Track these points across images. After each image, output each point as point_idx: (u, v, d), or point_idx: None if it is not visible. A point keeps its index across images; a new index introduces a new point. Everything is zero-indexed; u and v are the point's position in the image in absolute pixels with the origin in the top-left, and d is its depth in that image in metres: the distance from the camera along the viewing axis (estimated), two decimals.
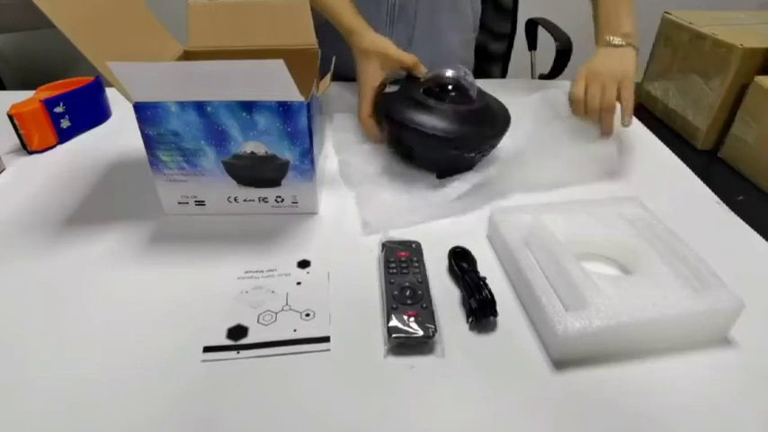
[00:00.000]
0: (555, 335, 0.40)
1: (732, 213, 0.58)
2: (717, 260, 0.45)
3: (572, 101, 0.65)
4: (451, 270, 0.49)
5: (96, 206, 0.59)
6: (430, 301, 0.43)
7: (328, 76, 0.60)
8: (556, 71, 1.22)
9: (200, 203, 0.55)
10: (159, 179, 0.53)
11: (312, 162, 0.53)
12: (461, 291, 0.46)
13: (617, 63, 0.64)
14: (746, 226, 0.56)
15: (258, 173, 0.53)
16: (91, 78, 0.76)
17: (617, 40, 0.66)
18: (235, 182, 0.54)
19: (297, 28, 0.61)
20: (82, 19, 0.49)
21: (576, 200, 0.56)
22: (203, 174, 0.53)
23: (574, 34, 1.30)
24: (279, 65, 0.44)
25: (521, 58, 1.41)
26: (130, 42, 0.55)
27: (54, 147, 0.71)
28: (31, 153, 0.70)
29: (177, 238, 0.53)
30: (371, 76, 0.66)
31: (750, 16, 0.79)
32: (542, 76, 1.31)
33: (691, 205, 0.60)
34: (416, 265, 0.48)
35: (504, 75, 1.37)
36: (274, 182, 0.54)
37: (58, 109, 0.71)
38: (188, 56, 0.62)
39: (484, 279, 0.46)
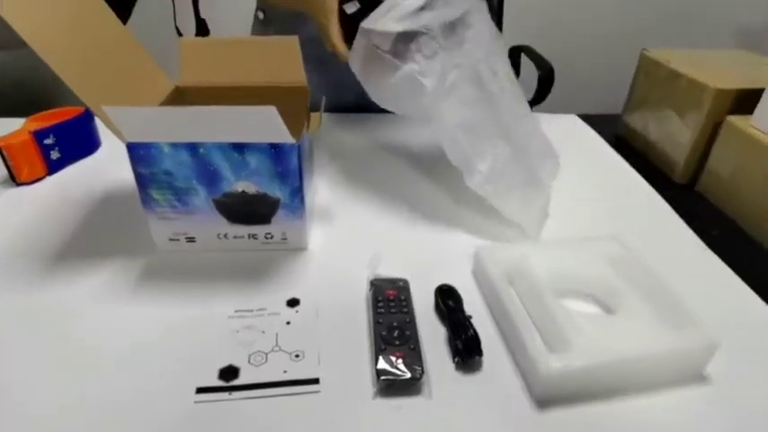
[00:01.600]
0: (538, 374, 0.41)
1: (708, 250, 0.60)
2: (693, 297, 0.47)
3: None
4: (438, 308, 0.50)
5: (86, 240, 0.60)
6: (417, 342, 0.44)
7: (319, 115, 0.61)
8: (538, 99, 1.25)
9: (190, 240, 0.56)
10: (151, 216, 0.54)
11: (302, 200, 0.54)
12: (447, 329, 0.47)
13: None
14: (722, 263, 0.59)
15: (249, 211, 0.54)
16: (80, 109, 0.77)
17: None
18: (225, 219, 0.54)
19: (287, 66, 0.63)
20: (75, 57, 0.50)
21: (559, 237, 0.57)
22: (194, 212, 0.54)
23: (558, 62, 1.34)
24: (271, 111, 0.45)
25: None
26: (123, 79, 0.56)
27: (43, 178, 0.72)
28: (19, 185, 0.70)
29: (169, 275, 0.54)
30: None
31: (724, 56, 0.82)
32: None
33: (669, 241, 0.62)
34: (404, 303, 0.49)
35: None
36: (264, 219, 0.55)
37: (48, 141, 0.71)
38: (180, 92, 0.63)
39: (469, 318, 0.47)
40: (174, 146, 0.49)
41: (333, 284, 0.53)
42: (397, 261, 0.55)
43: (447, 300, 0.50)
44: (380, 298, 0.49)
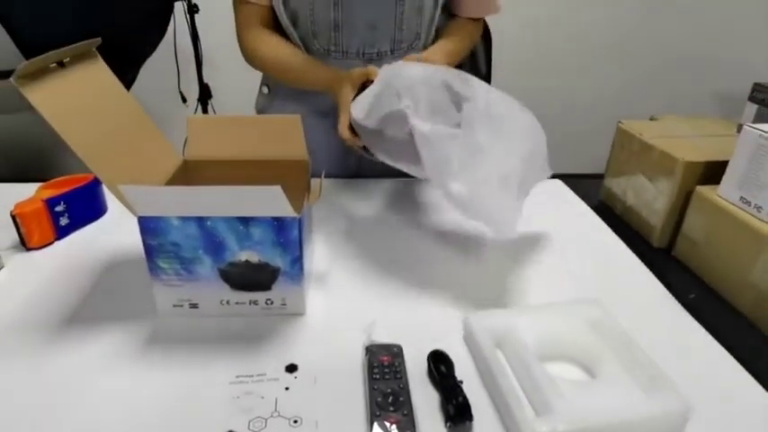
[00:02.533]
0: None
1: (686, 313, 0.64)
2: (670, 359, 0.50)
3: None
4: (431, 373, 0.53)
5: (92, 306, 0.62)
6: (410, 408, 0.47)
7: (319, 184, 0.65)
8: None
9: (193, 306, 0.59)
10: (157, 284, 0.57)
11: (302, 268, 0.57)
12: (440, 394, 0.50)
13: None
14: (698, 325, 0.62)
15: (251, 279, 0.57)
16: (89, 176, 0.81)
17: None
18: (228, 287, 0.58)
19: (289, 141, 0.68)
20: (92, 138, 0.55)
21: (546, 302, 0.61)
22: (199, 279, 0.57)
23: (547, 124, 1.41)
24: (276, 190, 0.49)
25: None
26: (135, 154, 0.61)
27: (52, 243, 0.75)
28: (29, 250, 0.73)
29: (172, 341, 0.56)
30: (345, 97, 0.74)
31: (696, 126, 0.89)
32: None
33: (648, 304, 0.66)
34: (398, 369, 0.51)
35: None
36: (265, 286, 0.58)
37: (59, 208, 0.75)
38: (187, 165, 0.68)
39: (460, 383, 0.50)
40: (183, 219, 0.53)
41: (330, 350, 0.56)
42: (391, 326, 0.58)
43: (439, 365, 0.53)
44: (376, 364, 0.51)
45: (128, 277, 0.67)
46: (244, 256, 0.56)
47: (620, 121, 0.89)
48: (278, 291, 0.59)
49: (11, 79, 0.47)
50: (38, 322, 0.59)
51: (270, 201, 0.51)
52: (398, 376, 0.50)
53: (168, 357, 0.54)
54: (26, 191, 0.76)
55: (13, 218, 0.70)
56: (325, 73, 0.81)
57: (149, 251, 0.55)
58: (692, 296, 0.67)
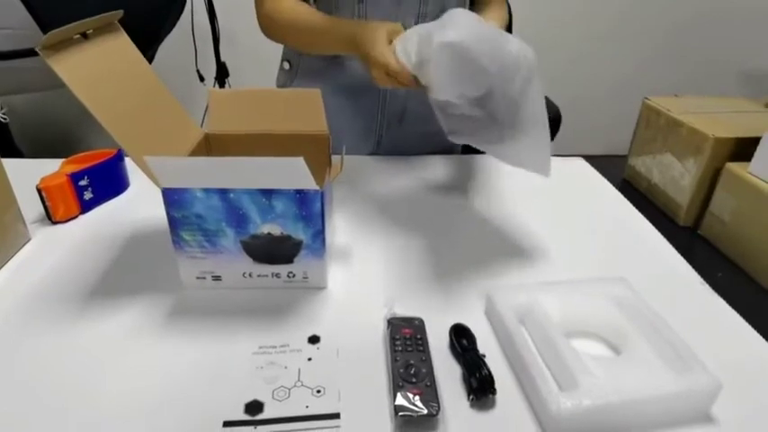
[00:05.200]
0: (549, 413, 0.43)
1: (713, 293, 0.63)
2: (698, 338, 0.49)
3: None
4: (452, 347, 0.53)
5: (117, 279, 0.63)
6: (433, 380, 0.47)
7: (339, 161, 0.65)
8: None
9: (216, 278, 0.59)
10: (180, 256, 0.58)
11: (323, 242, 0.57)
12: (462, 368, 0.50)
13: None
14: (725, 304, 0.61)
15: (273, 251, 0.58)
16: (112, 151, 0.82)
17: None
18: (251, 259, 0.58)
19: (310, 115, 0.67)
20: (117, 109, 0.55)
21: (569, 279, 0.60)
22: (222, 252, 0.57)
23: (564, 103, 1.39)
24: (299, 161, 0.49)
25: None
26: (158, 128, 0.61)
27: (77, 216, 0.76)
28: (54, 223, 0.74)
29: (195, 312, 0.57)
30: (380, 46, 0.65)
31: (723, 104, 0.86)
32: None
33: (674, 283, 0.65)
34: (420, 342, 0.51)
35: None
36: (288, 259, 0.58)
37: (83, 182, 0.75)
38: (208, 139, 0.68)
39: (483, 357, 0.50)
40: (207, 191, 0.53)
41: (351, 323, 0.56)
42: (412, 300, 0.58)
43: (461, 339, 0.53)
44: (397, 336, 0.52)
45: (151, 250, 0.67)
46: (266, 228, 0.56)
47: (646, 98, 0.86)
48: (300, 264, 0.59)
49: (36, 48, 0.47)
50: (64, 293, 0.60)
51: (292, 173, 0.51)
52: (420, 348, 0.50)
53: (192, 329, 0.55)
54: (50, 166, 0.77)
55: (39, 191, 0.71)
56: (349, 27, 0.74)
57: (173, 223, 0.55)
58: (719, 275, 0.65)
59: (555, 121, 1.29)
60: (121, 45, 0.61)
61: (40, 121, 2.11)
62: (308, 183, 0.53)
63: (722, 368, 0.46)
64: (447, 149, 0.97)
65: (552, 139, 1.33)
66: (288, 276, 0.60)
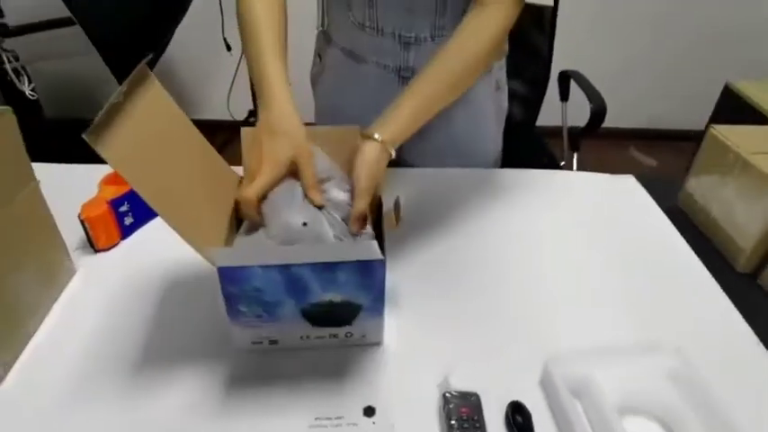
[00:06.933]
0: None
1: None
2: (753, 419, 0.50)
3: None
4: (508, 424, 0.53)
5: (165, 333, 0.63)
6: None
7: (392, 215, 0.62)
8: (588, 131, 1.25)
9: (273, 342, 0.59)
10: (235, 325, 0.57)
11: (383, 303, 0.57)
12: None
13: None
14: None
15: (333, 316, 0.58)
16: None
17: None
18: (309, 324, 0.58)
19: (349, 154, 0.62)
20: (162, 186, 0.52)
21: (624, 347, 0.60)
22: (280, 320, 0.57)
23: (604, 85, 1.32)
24: (372, 245, 0.47)
25: (552, 108, 1.43)
26: (203, 189, 0.59)
27: (117, 243, 0.75)
28: (97, 252, 0.73)
29: (250, 380, 0.58)
30: (276, 156, 0.60)
31: None
32: (573, 130, 1.35)
33: (726, 343, 0.64)
34: (477, 423, 0.52)
35: (533, 120, 1.40)
36: (346, 322, 0.58)
37: (123, 208, 0.74)
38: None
39: None
40: (266, 267, 0.52)
41: (406, 389, 0.57)
42: (467, 369, 0.58)
43: (517, 415, 0.53)
44: (454, 418, 0.52)
45: (197, 291, 0.67)
46: (327, 297, 0.55)
47: (711, 126, 0.80)
48: (358, 324, 0.59)
49: (83, 136, 0.44)
50: (112, 353, 0.61)
51: (359, 247, 0.50)
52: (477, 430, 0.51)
53: (247, 400, 0.56)
54: (82, 174, 0.76)
55: (82, 222, 0.70)
56: (268, 92, 0.63)
57: (229, 298, 0.54)
58: None
59: (599, 114, 1.24)
60: (157, 100, 0.57)
61: (67, 83, 2.10)
62: (374, 254, 0.52)
63: None
64: (470, 154, 0.93)
65: (595, 130, 1.29)
66: (345, 336, 0.60)
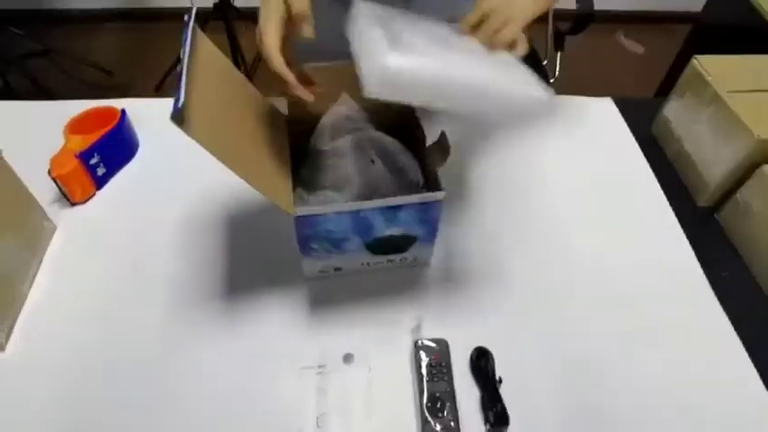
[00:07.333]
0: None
1: (711, 295, 0.65)
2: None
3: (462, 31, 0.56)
4: (473, 368, 0.59)
5: (162, 262, 0.65)
6: (456, 415, 0.53)
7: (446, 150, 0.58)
8: (575, 30, 1.21)
9: (337, 269, 0.63)
10: (307, 259, 0.60)
11: (435, 234, 0.61)
12: (480, 391, 0.57)
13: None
14: (721, 311, 0.63)
15: (392, 246, 0.61)
16: (115, 111, 0.76)
17: None
18: (371, 253, 0.61)
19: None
20: (239, 152, 0.51)
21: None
22: (346, 253, 0.60)
23: None
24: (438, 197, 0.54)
25: None
26: (261, 141, 0.57)
27: (93, 195, 0.71)
28: (74, 205, 0.69)
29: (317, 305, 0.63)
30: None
31: None
32: (558, 31, 1.31)
33: (675, 276, 0.67)
34: (444, 369, 0.57)
35: None
36: (403, 250, 0.63)
37: (94, 160, 0.68)
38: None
39: (500, 382, 0.56)
40: (339, 213, 0.54)
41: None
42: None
43: (480, 360, 0.59)
44: (425, 364, 0.57)
45: (182, 222, 0.68)
46: (389, 232, 0.58)
47: (695, 57, 0.76)
48: (412, 251, 0.63)
49: (171, 120, 0.41)
50: (109, 286, 0.62)
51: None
52: (445, 378, 0.56)
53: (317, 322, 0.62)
54: (45, 121, 0.71)
55: (54, 180, 0.65)
56: None
57: (303, 238, 0.56)
58: (724, 274, 0.68)
59: (587, 14, 1.19)
60: (209, 56, 0.53)
61: None
62: (435, 197, 0.55)
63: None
64: None
65: (582, 31, 1.22)
66: (400, 261, 0.64)
